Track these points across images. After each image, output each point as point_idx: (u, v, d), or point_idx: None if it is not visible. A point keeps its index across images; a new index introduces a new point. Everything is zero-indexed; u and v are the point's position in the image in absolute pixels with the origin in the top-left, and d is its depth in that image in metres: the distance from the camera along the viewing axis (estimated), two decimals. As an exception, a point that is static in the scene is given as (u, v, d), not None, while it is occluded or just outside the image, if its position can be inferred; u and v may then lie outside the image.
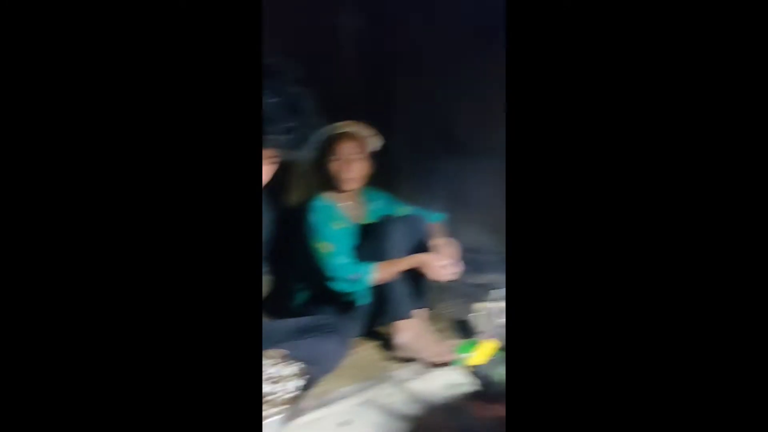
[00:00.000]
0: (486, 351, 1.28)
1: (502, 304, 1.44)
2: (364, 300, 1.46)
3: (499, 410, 1.02)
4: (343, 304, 1.47)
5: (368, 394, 1.26)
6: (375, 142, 1.56)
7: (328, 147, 1.51)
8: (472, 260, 1.53)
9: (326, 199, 1.55)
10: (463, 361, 1.30)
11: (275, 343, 1.13)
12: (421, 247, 1.47)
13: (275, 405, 0.91)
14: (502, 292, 1.46)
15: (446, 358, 1.34)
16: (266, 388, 0.95)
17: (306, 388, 0.98)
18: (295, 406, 0.92)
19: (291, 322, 1.20)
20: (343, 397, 1.23)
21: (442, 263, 1.41)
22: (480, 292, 1.52)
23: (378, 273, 1.40)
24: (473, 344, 1.33)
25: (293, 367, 1.03)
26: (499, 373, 1.18)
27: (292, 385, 0.97)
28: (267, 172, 0.92)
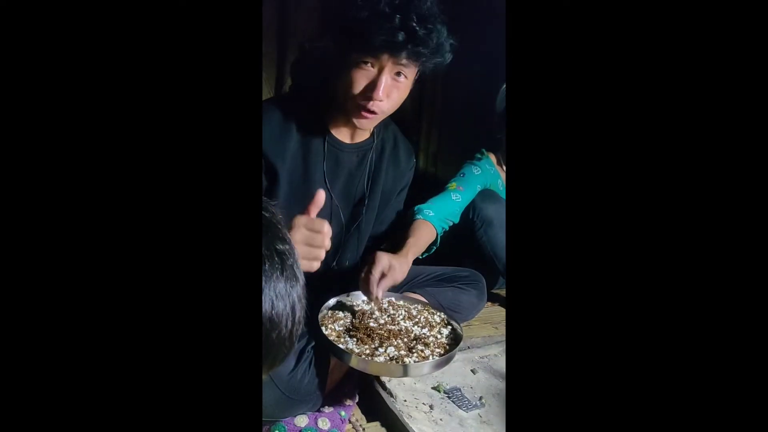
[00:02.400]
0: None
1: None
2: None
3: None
4: (481, 256, 1.53)
5: (496, 349, 1.34)
6: None
7: None
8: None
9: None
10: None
11: (414, 288, 1.24)
12: None
13: (429, 347, 0.99)
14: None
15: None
16: (417, 329, 1.06)
17: (453, 336, 1.06)
18: (446, 351, 0.99)
19: (432, 270, 1.29)
20: (474, 347, 1.32)
21: None
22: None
23: None
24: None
25: (441, 316, 1.13)
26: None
27: (444, 332, 1.06)
28: (395, 91, 0.97)
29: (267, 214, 0.55)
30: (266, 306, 0.50)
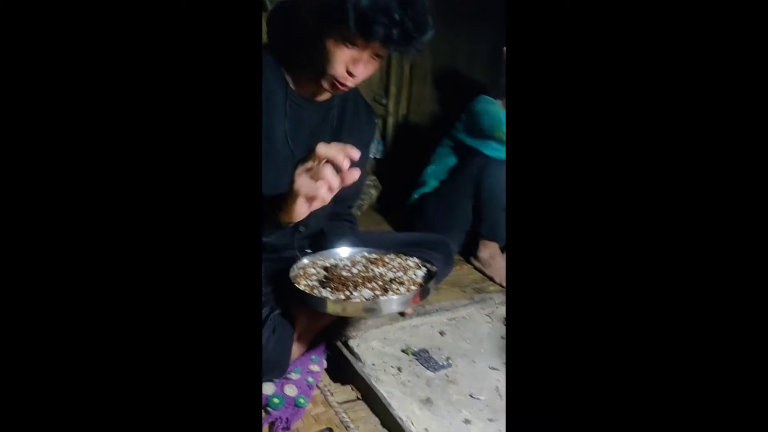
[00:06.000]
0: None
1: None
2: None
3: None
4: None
5: (464, 311, 1.35)
6: None
7: None
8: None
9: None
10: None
11: (385, 251, 1.24)
12: None
13: (404, 285, 0.98)
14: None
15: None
16: (391, 273, 1.04)
17: (428, 275, 1.05)
18: (420, 289, 0.98)
19: (399, 235, 1.29)
20: (442, 309, 1.33)
21: None
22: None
23: None
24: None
25: (414, 260, 1.12)
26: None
27: (419, 273, 1.05)
28: (370, 67, 0.99)
29: None
30: None
